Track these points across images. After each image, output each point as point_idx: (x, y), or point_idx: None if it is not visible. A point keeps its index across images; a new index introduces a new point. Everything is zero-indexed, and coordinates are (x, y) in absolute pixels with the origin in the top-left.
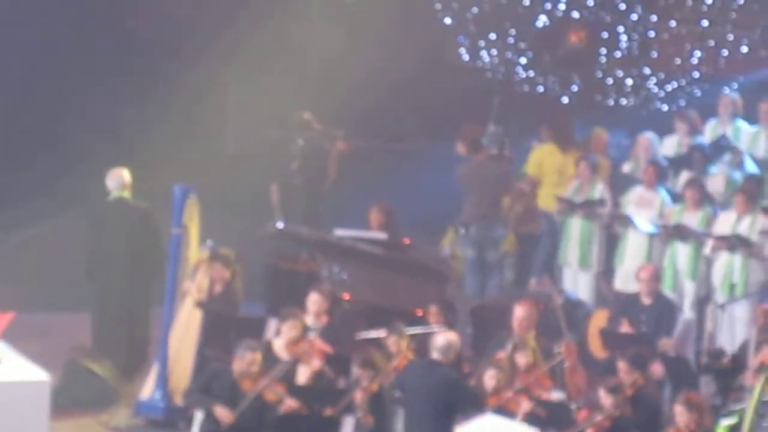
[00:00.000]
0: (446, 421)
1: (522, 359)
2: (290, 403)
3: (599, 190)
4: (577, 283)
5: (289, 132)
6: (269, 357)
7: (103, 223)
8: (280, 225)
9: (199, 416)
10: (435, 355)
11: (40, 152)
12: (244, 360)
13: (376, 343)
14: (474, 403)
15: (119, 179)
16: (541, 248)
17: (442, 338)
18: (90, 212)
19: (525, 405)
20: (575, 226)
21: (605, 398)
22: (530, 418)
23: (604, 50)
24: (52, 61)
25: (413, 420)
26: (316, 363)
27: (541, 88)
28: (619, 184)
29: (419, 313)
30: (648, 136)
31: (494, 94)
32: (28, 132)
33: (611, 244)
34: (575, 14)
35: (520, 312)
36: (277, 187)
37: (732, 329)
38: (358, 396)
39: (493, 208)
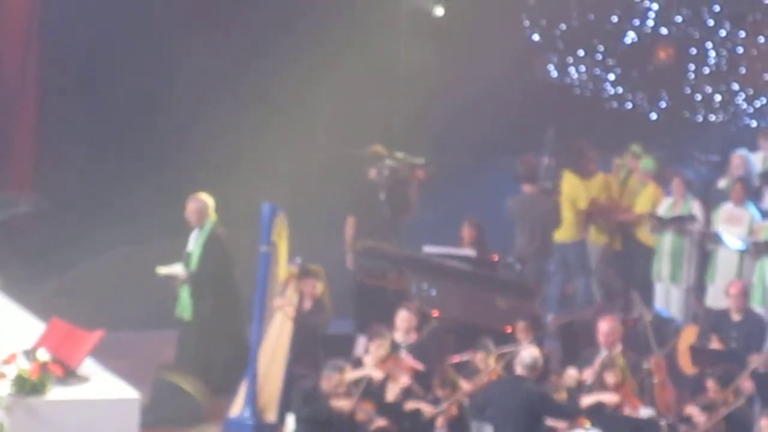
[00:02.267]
0: None
1: (611, 378)
2: (380, 423)
3: (692, 206)
4: (669, 299)
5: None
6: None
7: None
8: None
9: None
10: (520, 370)
11: (139, 174)
12: (331, 381)
13: (466, 365)
14: (563, 415)
15: (206, 207)
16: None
17: (527, 354)
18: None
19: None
20: (667, 242)
21: (699, 416)
22: None
23: (692, 66)
24: (151, 86)
25: None
26: (405, 380)
27: (629, 105)
28: (713, 201)
29: (508, 329)
30: (741, 154)
31: (581, 115)
32: (130, 154)
33: (704, 261)
34: (663, 30)
35: (604, 326)
36: (354, 222)
37: None
38: (439, 421)
39: (547, 243)
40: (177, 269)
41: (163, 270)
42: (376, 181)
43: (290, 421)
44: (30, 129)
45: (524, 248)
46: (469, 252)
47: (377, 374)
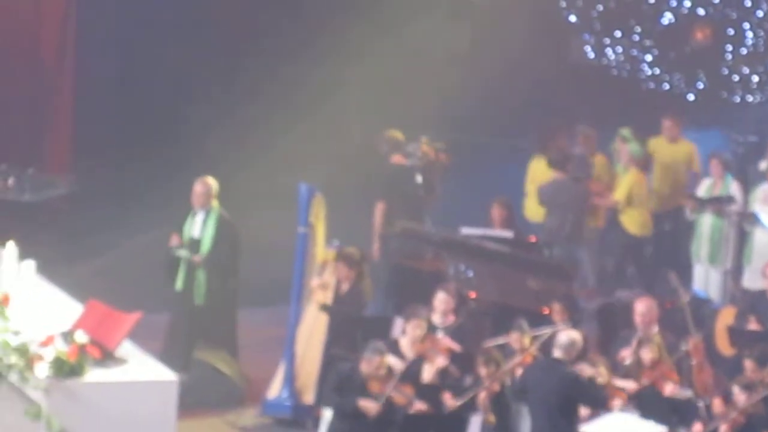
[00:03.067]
0: (568, 419)
1: (647, 355)
2: (419, 406)
3: (731, 187)
4: (708, 280)
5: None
6: (396, 356)
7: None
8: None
9: (327, 416)
10: (557, 353)
11: (175, 156)
12: (372, 363)
13: (503, 346)
14: (595, 400)
15: (212, 190)
16: None
17: (565, 336)
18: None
19: (617, 402)
20: (706, 223)
21: (739, 395)
22: (650, 414)
23: (729, 47)
24: (187, 70)
25: (536, 418)
26: (441, 361)
27: (666, 86)
28: (751, 182)
29: (545, 311)
30: None
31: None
32: (166, 137)
33: (742, 242)
34: (701, 11)
35: (640, 307)
36: (384, 208)
37: None
38: (481, 396)
39: (577, 230)
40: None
41: (183, 253)
42: (406, 165)
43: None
44: (67, 111)
45: (553, 233)
46: (506, 233)
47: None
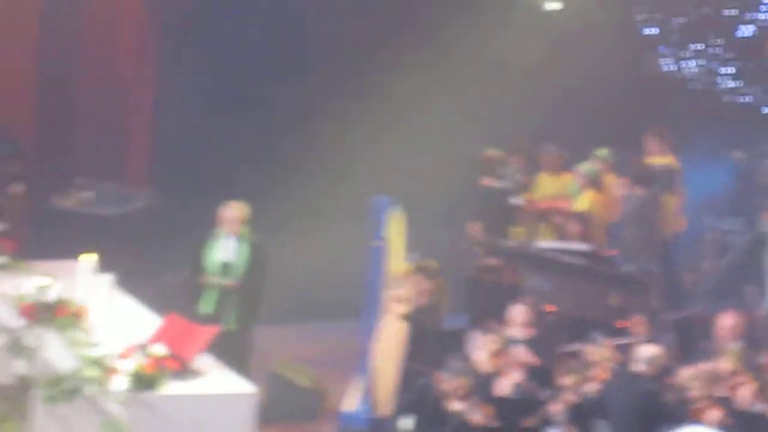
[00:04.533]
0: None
1: (725, 367)
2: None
3: None
4: None
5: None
6: (471, 370)
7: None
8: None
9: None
10: (639, 366)
11: (253, 170)
12: (451, 384)
13: (577, 355)
14: (668, 419)
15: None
16: None
17: (647, 350)
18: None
19: (715, 414)
20: None
21: None
22: (724, 428)
23: None
24: (266, 83)
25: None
26: (516, 376)
27: (744, 99)
28: None
29: (622, 324)
30: None
31: (695, 109)
32: (245, 150)
33: None
34: None
35: (725, 322)
36: (478, 226)
37: None
38: (557, 407)
39: (652, 243)
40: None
41: (215, 279)
42: (499, 187)
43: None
44: (145, 125)
45: (632, 247)
46: (583, 246)
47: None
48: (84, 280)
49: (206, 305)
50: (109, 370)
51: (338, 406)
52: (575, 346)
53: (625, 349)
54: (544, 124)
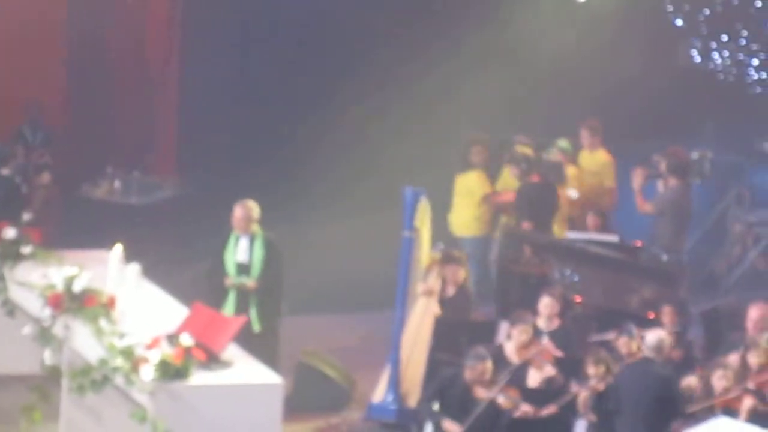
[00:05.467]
0: (660, 419)
1: (754, 359)
2: (525, 408)
3: None
4: None
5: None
6: (500, 361)
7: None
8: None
9: (430, 423)
10: (647, 353)
11: (281, 160)
12: (476, 370)
13: (607, 345)
14: (676, 406)
15: (253, 213)
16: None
17: (653, 336)
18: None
19: (748, 402)
20: None
21: None
22: (755, 416)
23: None
24: (293, 71)
25: (631, 419)
26: (549, 369)
27: None
28: None
29: (651, 315)
30: None
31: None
32: (272, 139)
33: None
34: None
35: (754, 313)
36: (530, 225)
37: None
38: (582, 394)
39: (684, 236)
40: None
41: (233, 280)
42: (542, 183)
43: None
44: (172, 114)
45: (670, 240)
46: (612, 237)
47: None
48: (111, 270)
49: (228, 307)
50: (136, 360)
51: (366, 397)
52: (607, 336)
53: None
54: (572, 114)
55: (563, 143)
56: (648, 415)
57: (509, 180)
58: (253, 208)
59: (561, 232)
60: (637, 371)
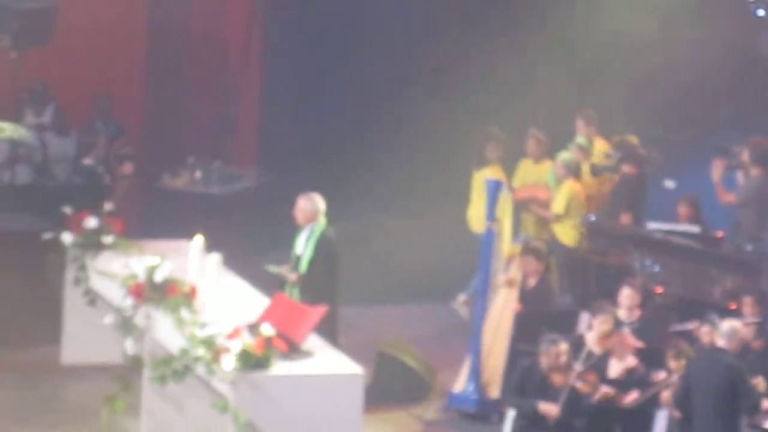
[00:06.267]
0: (730, 409)
1: None
2: (605, 390)
3: None
4: None
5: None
6: (581, 350)
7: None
8: (592, 218)
9: (511, 412)
10: (720, 342)
11: (359, 150)
12: (550, 354)
13: (688, 336)
14: (749, 399)
15: (319, 206)
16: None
17: (727, 325)
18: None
19: None
20: None
21: None
22: None
23: None
24: (370, 63)
25: (698, 408)
26: (630, 360)
27: None
28: None
29: (732, 306)
30: None
31: None
32: (352, 129)
33: None
34: None
35: None
36: (630, 216)
37: None
38: (665, 392)
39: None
40: (285, 270)
41: (273, 268)
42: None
43: None
44: (254, 104)
45: (753, 230)
46: (693, 228)
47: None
48: (193, 260)
49: None
50: (217, 350)
51: (446, 387)
52: (689, 326)
53: None
54: (652, 103)
55: (581, 140)
56: (717, 404)
57: (526, 175)
58: (315, 201)
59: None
60: (708, 360)
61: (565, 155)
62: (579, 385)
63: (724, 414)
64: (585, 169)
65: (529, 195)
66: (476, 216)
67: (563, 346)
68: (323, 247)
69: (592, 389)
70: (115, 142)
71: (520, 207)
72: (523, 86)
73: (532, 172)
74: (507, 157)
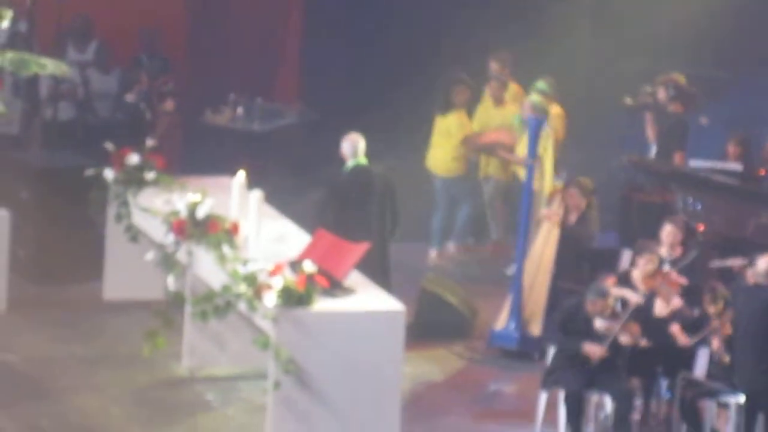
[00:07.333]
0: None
1: None
2: (644, 344)
3: None
4: None
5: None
6: (628, 288)
7: (348, 192)
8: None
9: (552, 349)
10: (758, 279)
11: (402, 86)
12: (596, 305)
13: (728, 273)
14: None
15: (357, 146)
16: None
17: (764, 261)
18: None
19: None
20: None
21: None
22: None
23: None
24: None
25: (739, 342)
26: (676, 301)
27: None
28: None
29: None
30: None
31: None
32: (394, 66)
33: None
34: None
35: None
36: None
37: None
38: (715, 342)
39: None
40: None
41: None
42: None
43: None
44: (296, 41)
45: None
46: (735, 166)
47: (635, 299)
48: (234, 197)
49: None
50: (259, 287)
51: (488, 324)
52: (731, 262)
53: None
54: (686, 41)
55: (541, 84)
56: (757, 339)
57: (484, 118)
58: (355, 139)
59: None
60: (748, 295)
61: (534, 97)
62: (622, 338)
63: (763, 349)
64: (555, 111)
65: (494, 139)
66: (434, 160)
67: (610, 301)
68: (350, 174)
69: (634, 341)
70: (158, 78)
71: (485, 150)
72: (566, 26)
73: (494, 116)
74: (472, 102)
